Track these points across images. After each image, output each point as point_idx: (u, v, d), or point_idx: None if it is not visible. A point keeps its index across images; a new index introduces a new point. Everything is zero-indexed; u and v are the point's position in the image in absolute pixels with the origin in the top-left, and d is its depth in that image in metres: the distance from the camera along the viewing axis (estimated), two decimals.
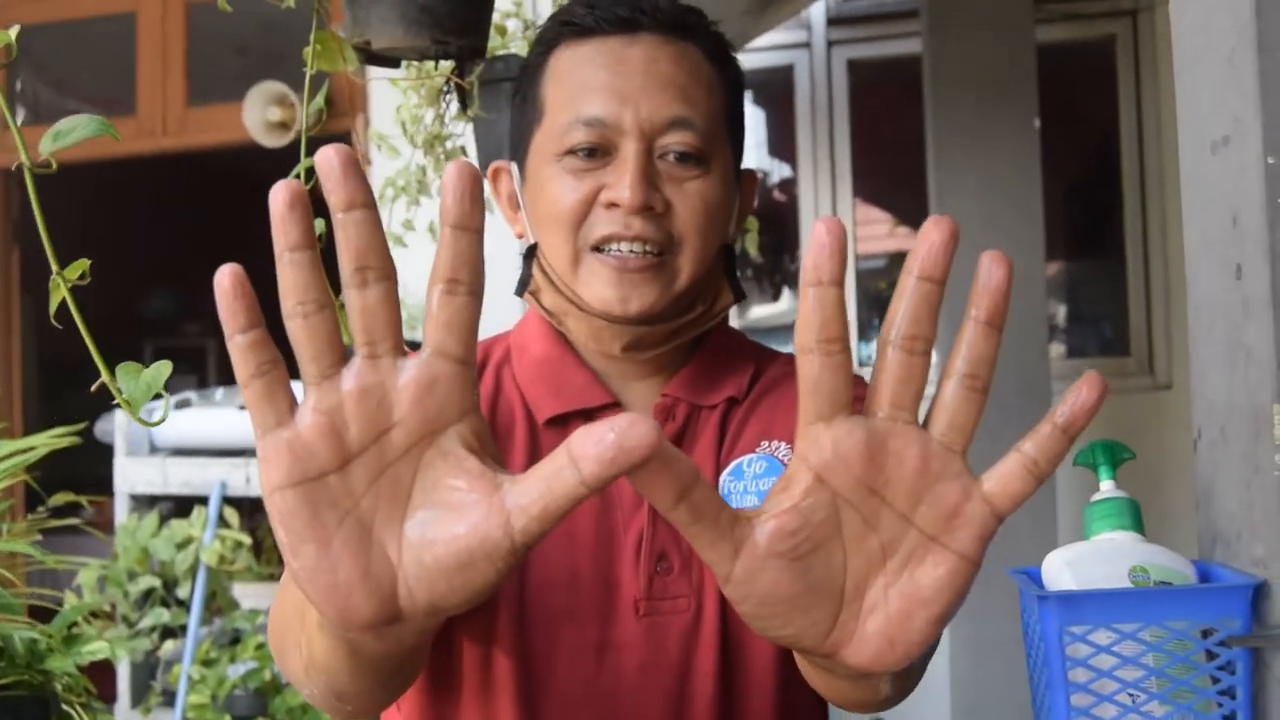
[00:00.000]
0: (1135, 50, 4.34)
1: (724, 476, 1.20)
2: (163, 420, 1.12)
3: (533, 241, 1.24)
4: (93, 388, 1.07)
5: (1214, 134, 0.93)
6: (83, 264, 1.03)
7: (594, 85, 1.17)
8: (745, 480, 1.19)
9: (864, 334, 4.70)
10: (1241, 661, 0.87)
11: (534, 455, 1.20)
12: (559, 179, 1.17)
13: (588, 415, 1.21)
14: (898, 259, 4.99)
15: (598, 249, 1.17)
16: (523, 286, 1.26)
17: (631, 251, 1.16)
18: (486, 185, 1.20)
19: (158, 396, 1.08)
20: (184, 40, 4.86)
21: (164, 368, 1.03)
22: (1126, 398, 4.27)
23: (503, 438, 1.22)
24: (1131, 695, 0.87)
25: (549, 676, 1.14)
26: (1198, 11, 0.96)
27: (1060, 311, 4.84)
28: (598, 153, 1.16)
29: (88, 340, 1.05)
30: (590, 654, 1.15)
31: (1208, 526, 0.97)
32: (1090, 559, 0.94)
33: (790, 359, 1.33)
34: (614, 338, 1.20)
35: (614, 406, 1.22)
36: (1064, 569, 0.94)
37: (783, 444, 1.21)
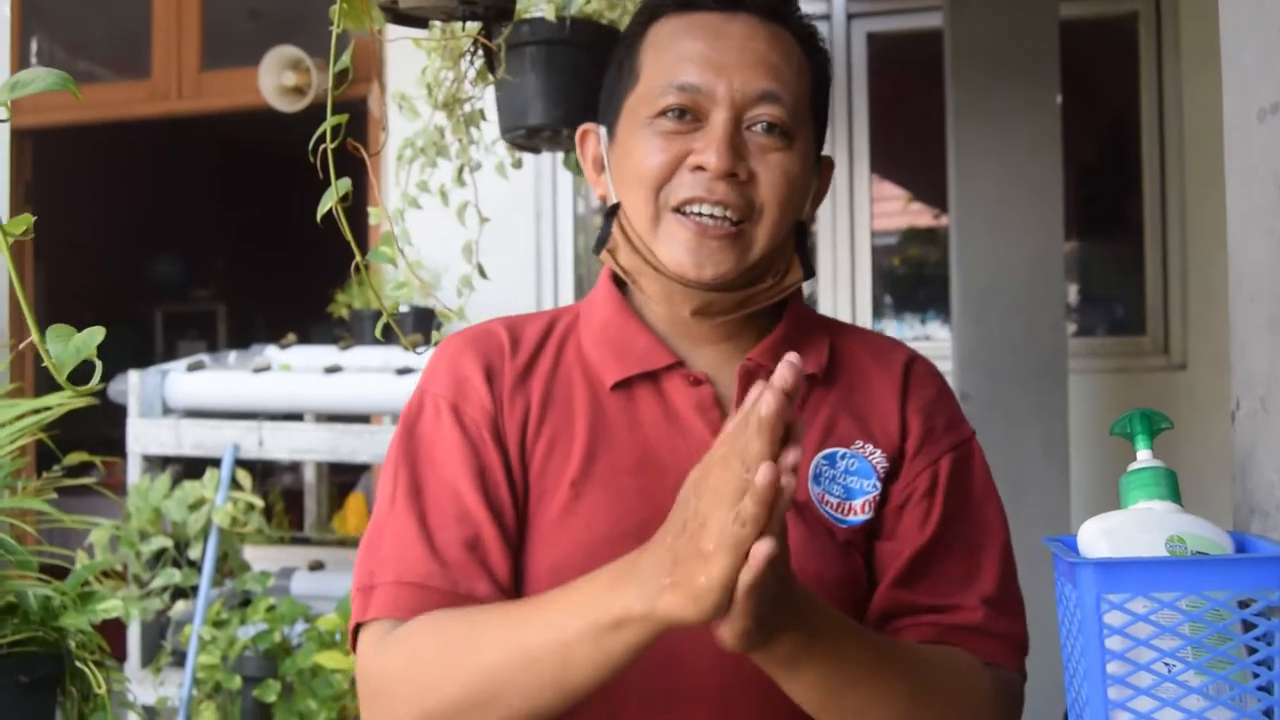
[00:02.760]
0: (1158, 28, 4.31)
1: (818, 459, 1.24)
2: (101, 388, 1.12)
3: (615, 201, 1.29)
4: (20, 346, 1.08)
5: (1262, 101, 0.92)
6: (26, 219, 1.03)
7: (691, 55, 1.23)
8: (836, 470, 1.25)
9: (878, 311, 4.68)
10: (1279, 632, 0.86)
11: (596, 418, 1.25)
12: (648, 140, 1.23)
13: (653, 377, 1.27)
14: (911, 235, 4.97)
15: (679, 210, 1.22)
16: (600, 244, 1.31)
17: (712, 217, 1.21)
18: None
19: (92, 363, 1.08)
20: (199, 4, 4.84)
21: (96, 333, 1.04)
22: (1142, 377, 4.26)
23: (561, 404, 1.27)
24: (1167, 664, 0.87)
25: None
26: None
27: (1075, 290, 4.83)
28: (688, 116, 1.22)
29: (24, 304, 1.05)
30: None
31: (1245, 498, 0.96)
32: (1127, 528, 0.94)
33: (860, 333, 1.38)
34: (685, 300, 1.25)
35: (679, 367, 1.27)
36: (1100, 537, 0.93)
37: (879, 450, 1.26)
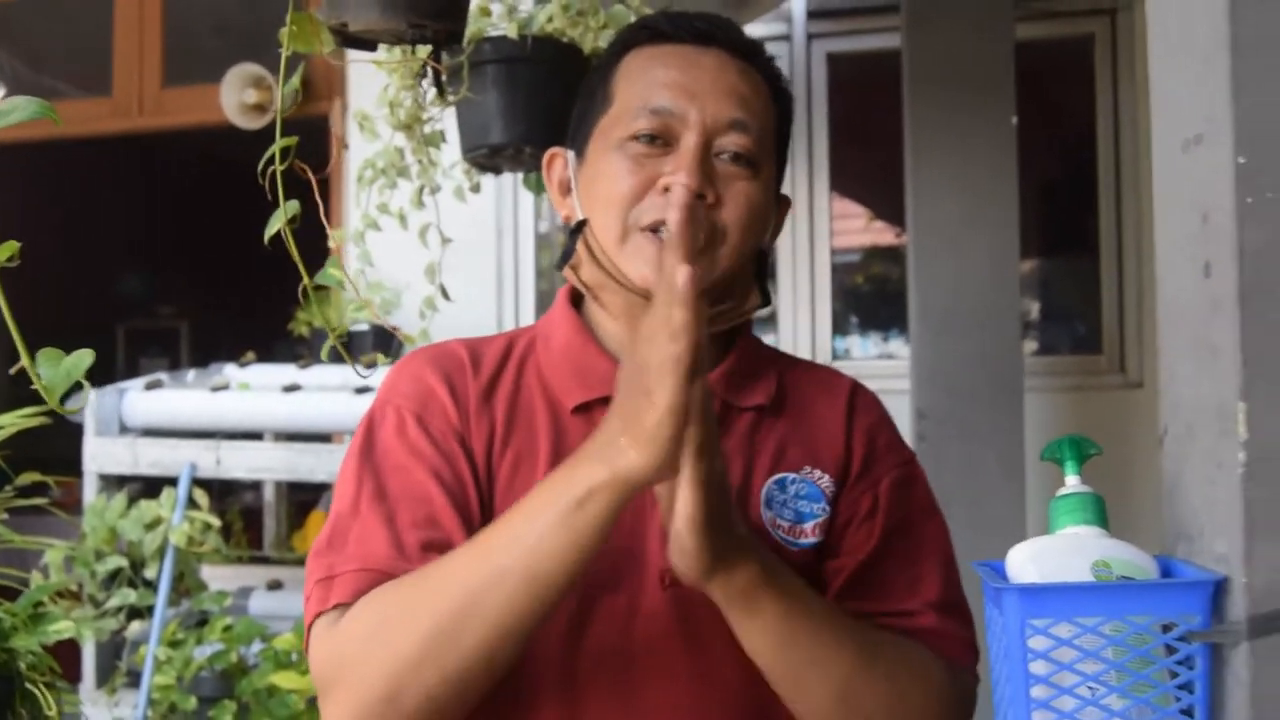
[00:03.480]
0: (1114, 49, 4.36)
1: (769, 483, 1.28)
2: (79, 409, 1.13)
3: (582, 219, 1.31)
4: (12, 370, 1.08)
5: (1186, 132, 0.93)
6: (11, 246, 1.03)
7: (664, 80, 1.27)
8: (787, 495, 1.28)
9: (839, 327, 4.71)
10: (1201, 656, 0.87)
11: (559, 442, 1.27)
12: (620, 162, 1.26)
13: (611, 402, 1.25)
14: (873, 253, 5.00)
15: (647, 229, 1.25)
16: (564, 260, 1.34)
17: None
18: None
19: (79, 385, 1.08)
20: (161, 19, 4.82)
21: (85, 356, 1.05)
22: (1098, 395, 4.29)
23: (524, 425, 1.28)
24: (1091, 688, 0.88)
25: (584, 638, 1.21)
26: (1173, 11, 0.96)
27: (1034, 308, 4.86)
28: (659, 140, 1.25)
29: (11, 326, 1.05)
30: (621, 619, 1.22)
31: (1172, 522, 0.98)
32: (1054, 553, 0.95)
33: (805, 365, 1.43)
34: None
35: None
36: (1028, 562, 0.94)
37: (826, 475, 1.30)
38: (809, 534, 1.27)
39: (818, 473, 1.30)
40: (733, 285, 1.30)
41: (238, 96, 4.50)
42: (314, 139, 1.55)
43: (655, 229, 1.24)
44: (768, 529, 1.27)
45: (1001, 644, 0.91)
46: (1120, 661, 0.88)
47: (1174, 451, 0.98)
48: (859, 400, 1.38)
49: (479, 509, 1.23)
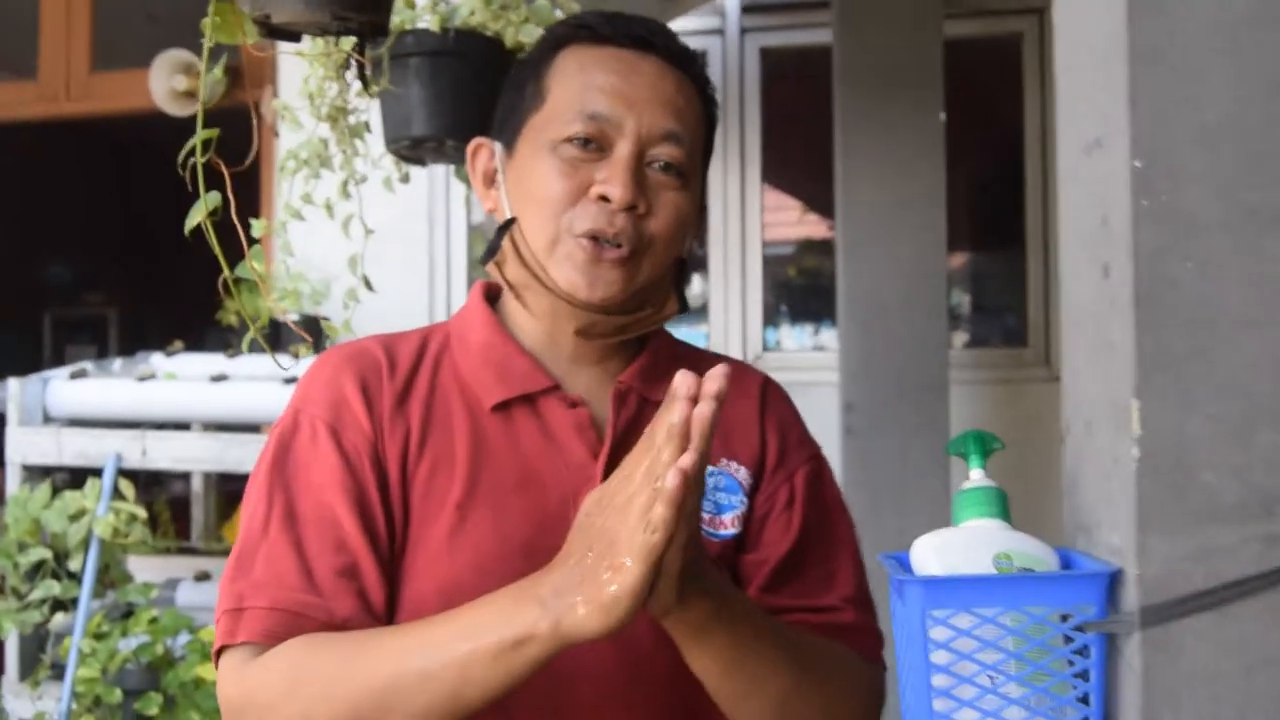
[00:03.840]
0: (1042, 48, 4.43)
1: None
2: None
3: (510, 216, 1.31)
4: None
5: (1087, 136, 0.96)
6: None
7: (602, 85, 1.27)
8: (706, 487, 1.27)
9: (769, 319, 4.74)
10: (1096, 646, 0.90)
11: (477, 440, 1.27)
12: (553, 164, 1.26)
13: (530, 399, 1.30)
14: (806, 246, 5.04)
15: (576, 237, 1.25)
16: (489, 256, 1.34)
17: (608, 244, 1.25)
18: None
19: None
20: (89, 3, 4.75)
21: None
22: (1023, 388, 4.35)
23: (441, 426, 1.28)
24: (991, 677, 0.91)
25: None
26: (1075, 17, 0.99)
27: (966, 301, 4.93)
28: (592, 145, 1.25)
29: None
30: None
31: (1072, 515, 1.00)
32: (956, 545, 0.97)
33: (717, 359, 1.41)
34: (569, 319, 1.29)
35: (555, 390, 1.30)
36: (931, 554, 0.97)
37: (743, 467, 1.33)
38: (728, 525, 1.30)
39: (734, 465, 1.33)
40: (653, 292, 1.32)
41: (167, 82, 4.45)
42: (245, 125, 1.54)
43: (590, 237, 1.24)
44: None
45: (904, 633, 0.93)
46: (1019, 651, 0.90)
47: (1074, 447, 1.00)
48: (770, 395, 1.41)
49: (386, 522, 1.23)
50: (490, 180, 1.36)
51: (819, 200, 4.81)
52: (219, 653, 1.19)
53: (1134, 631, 0.87)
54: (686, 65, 1.32)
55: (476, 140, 1.38)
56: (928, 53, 3.61)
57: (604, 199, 1.24)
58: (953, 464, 3.56)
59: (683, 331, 4.73)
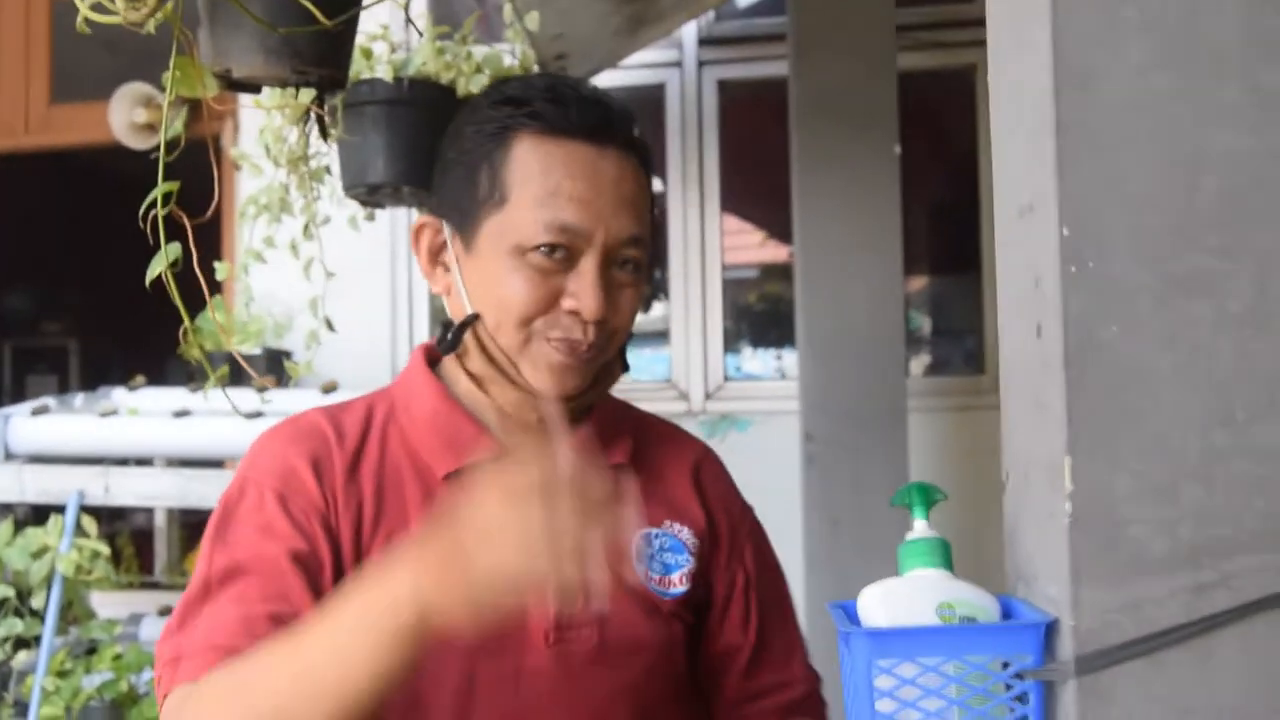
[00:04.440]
0: None
1: (636, 538, 1.34)
2: None
3: (473, 312, 1.31)
4: None
5: (1020, 201, 1.00)
6: None
7: (569, 193, 1.26)
8: (653, 548, 1.36)
9: (729, 345, 4.78)
10: (1034, 693, 0.94)
11: (431, 509, 1.27)
12: (521, 272, 1.26)
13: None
14: (769, 272, 5.09)
15: (545, 339, 1.28)
16: (451, 349, 1.34)
17: (581, 344, 1.28)
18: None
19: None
20: (48, 35, 4.75)
21: None
22: (982, 415, 4.40)
23: (394, 498, 1.29)
24: None
25: (472, 705, 1.24)
26: (1008, 87, 1.03)
27: (926, 325, 4.98)
28: (560, 252, 1.25)
29: None
30: (509, 682, 1.25)
31: (1013, 564, 1.04)
32: (901, 595, 1.01)
33: (653, 421, 1.50)
34: (534, 409, 1.31)
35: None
36: (877, 604, 1.00)
37: (686, 528, 1.38)
38: (677, 584, 1.36)
39: (677, 526, 1.38)
40: (609, 365, 1.36)
41: (127, 115, 4.45)
42: (207, 158, 1.57)
43: (561, 341, 1.27)
44: (642, 582, 1.34)
45: (851, 681, 0.96)
46: (961, 699, 0.94)
47: (1013, 498, 1.04)
48: (705, 463, 1.48)
49: (334, 588, 1.21)
50: (436, 259, 1.36)
51: (779, 228, 4.86)
52: (162, 708, 1.16)
53: (1069, 679, 0.91)
54: (637, 149, 1.33)
55: (421, 220, 1.36)
56: (882, 84, 3.66)
57: (576, 313, 1.26)
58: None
59: (645, 358, 4.78)
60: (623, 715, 1.29)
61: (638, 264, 1.31)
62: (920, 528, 1.06)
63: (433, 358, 1.40)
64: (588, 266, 1.26)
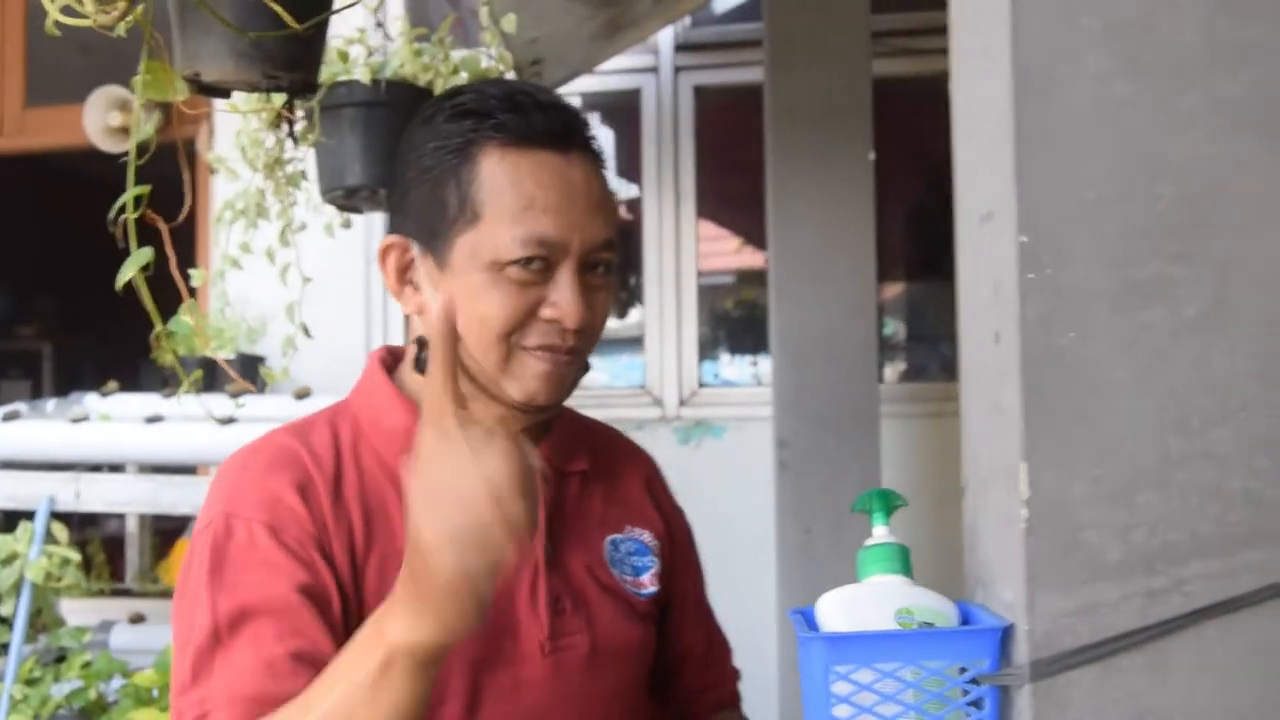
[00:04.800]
0: None
1: (606, 544, 1.39)
2: None
3: None
4: None
5: (981, 209, 1.01)
6: None
7: (542, 205, 1.25)
8: (621, 553, 1.39)
9: (707, 352, 4.78)
10: (990, 698, 0.94)
11: None
12: (499, 287, 1.25)
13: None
14: (745, 278, 5.09)
15: (526, 349, 1.27)
16: (424, 368, 1.31)
17: (562, 351, 1.28)
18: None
19: None
20: (23, 38, 4.73)
21: None
22: (956, 421, 4.39)
23: (381, 519, 1.27)
24: None
25: (477, 717, 1.25)
26: (969, 97, 1.04)
27: (901, 331, 4.99)
28: (536, 264, 1.25)
29: None
30: (508, 694, 1.25)
31: (971, 570, 1.05)
32: (860, 601, 1.01)
33: (605, 430, 1.54)
34: (517, 421, 1.31)
35: None
36: (836, 610, 1.01)
37: (647, 531, 1.43)
38: (647, 584, 1.40)
39: (638, 530, 1.43)
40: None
41: (102, 118, 4.44)
42: (178, 164, 1.56)
43: (543, 349, 1.27)
44: (619, 584, 1.37)
45: (809, 687, 0.97)
46: (918, 704, 0.94)
47: (972, 504, 1.05)
48: (654, 470, 1.54)
49: (344, 617, 1.20)
50: (404, 278, 1.33)
51: (755, 234, 4.87)
52: None
53: (1025, 684, 0.91)
54: (597, 153, 1.33)
55: (387, 240, 1.34)
56: (857, 91, 3.67)
57: (556, 321, 1.26)
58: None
59: (622, 364, 4.78)
60: (616, 716, 1.31)
61: (609, 265, 1.31)
62: (880, 533, 1.07)
63: (388, 367, 1.38)
64: (565, 275, 1.26)
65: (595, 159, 1.32)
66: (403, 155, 1.35)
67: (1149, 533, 0.91)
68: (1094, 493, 0.91)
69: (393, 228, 1.36)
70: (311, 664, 1.13)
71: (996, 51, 0.95)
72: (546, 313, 1.26)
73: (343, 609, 1.21)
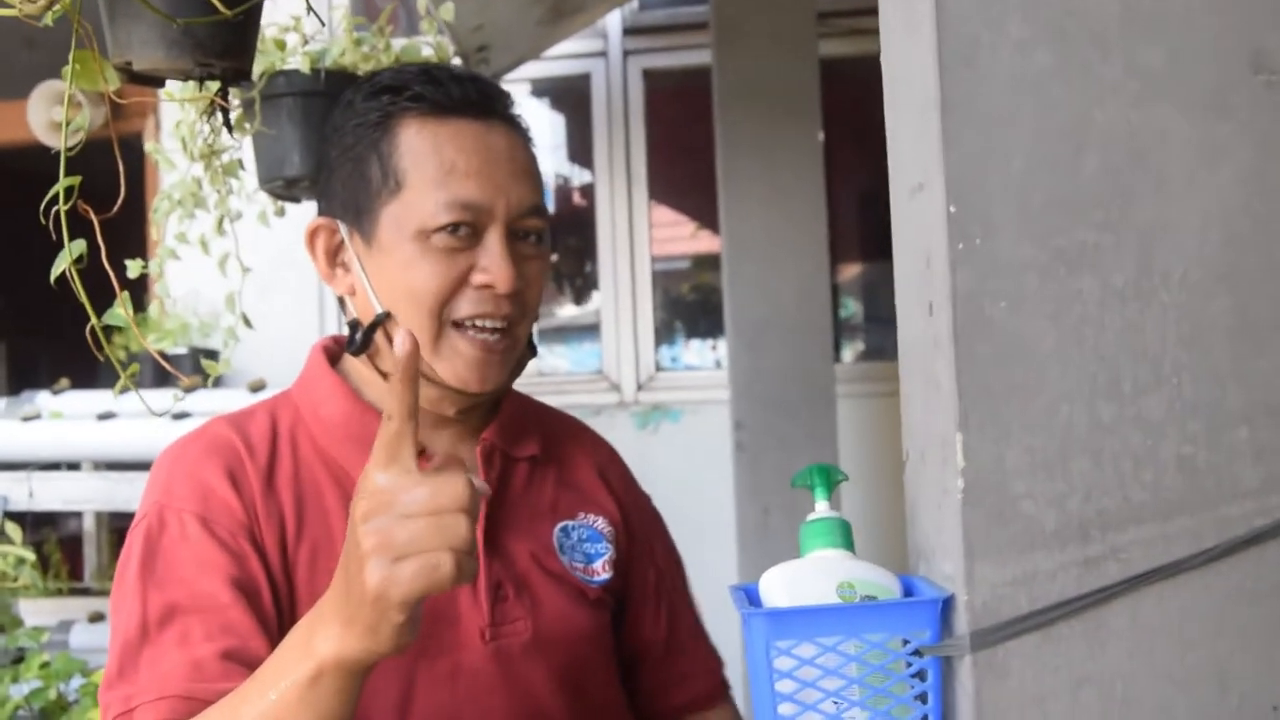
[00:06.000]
0: None
1: (556, 531, 1.36)
2: None
3: (383, 311, 1.28)
4: None
5: (911, 181, 1.01)
6: None
7: (464, 169, 1.25)
8: (572, 540, 1.37)
9: (666, 336, 4.78)
10: (933, 669, 0.94)
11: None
12: (427, 257, 1.24)
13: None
14: (701, 262, 5.09)
15: (459, 325, 1.25)
16: (363, 349, 1.31)
17: (493, 331, 1.26)
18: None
19: None
20: None
21: None
22: None
23: (314, 508, 1.26)
24: (835, 703, 0.94)
25: (411, 708, 1.23)
26: (898, 68, 1.04)
27: (859, 313, 5.01)
28: (463, 230, 1.24)
29: None
30: (445, 682, 1.24)
31: (913, 542, 1.05)
32: (802, 576, 1.01)
33: (555, 414, 1.51)
34: (452, 404, 1.31)
35: (421, 454, 1.28)
36: (778, 586, 1.00)
37: (601, 518, 1.40)
38: (600, 571, 1.38)
39: (591, 516, 1.40)
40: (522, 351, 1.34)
41: (46, 114, 4.38)
42: (128, 156, 1.54)
43: (465, 324, 1.25)
44: (568, 571, 1.35)
45: (752, 663, 0.97)
46: (861, 677, 0.94)
47: (912, 476, 1.05)
48: (610, 457, 1.51)
49: (275, 608, 1.19)
50: (334, 260, 1.33)
51: (709, 218, 4.87)
52: None
53: (965, 654, 0.91)
54: (518, 122, 1.33)
55: (315, 221, 1.34)
56: (804, 72, 3.68)
57: (488, 287, 1.25)
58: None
59: (582, 351, 4.77)
60: (561, 703, 1.29)
61: (540, 235, 1.30)
62: (821, 508, 1.06)
63: (332, 356, 1.37)
64: (493, 239, 1.25)
65: (518, 129, 1.32)
66: (326, 139, 1.35)
67: (1084, 500, 0.91)
68: (1028, 462, 0.91)
69: (319, 213, 1.36)
70: (242, 662, 1.12)
71: (922, 20, 0.95)
72: (477, 278, 1.25)
73: (274, 598, 1.20)
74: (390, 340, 1.27)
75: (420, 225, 1.24)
